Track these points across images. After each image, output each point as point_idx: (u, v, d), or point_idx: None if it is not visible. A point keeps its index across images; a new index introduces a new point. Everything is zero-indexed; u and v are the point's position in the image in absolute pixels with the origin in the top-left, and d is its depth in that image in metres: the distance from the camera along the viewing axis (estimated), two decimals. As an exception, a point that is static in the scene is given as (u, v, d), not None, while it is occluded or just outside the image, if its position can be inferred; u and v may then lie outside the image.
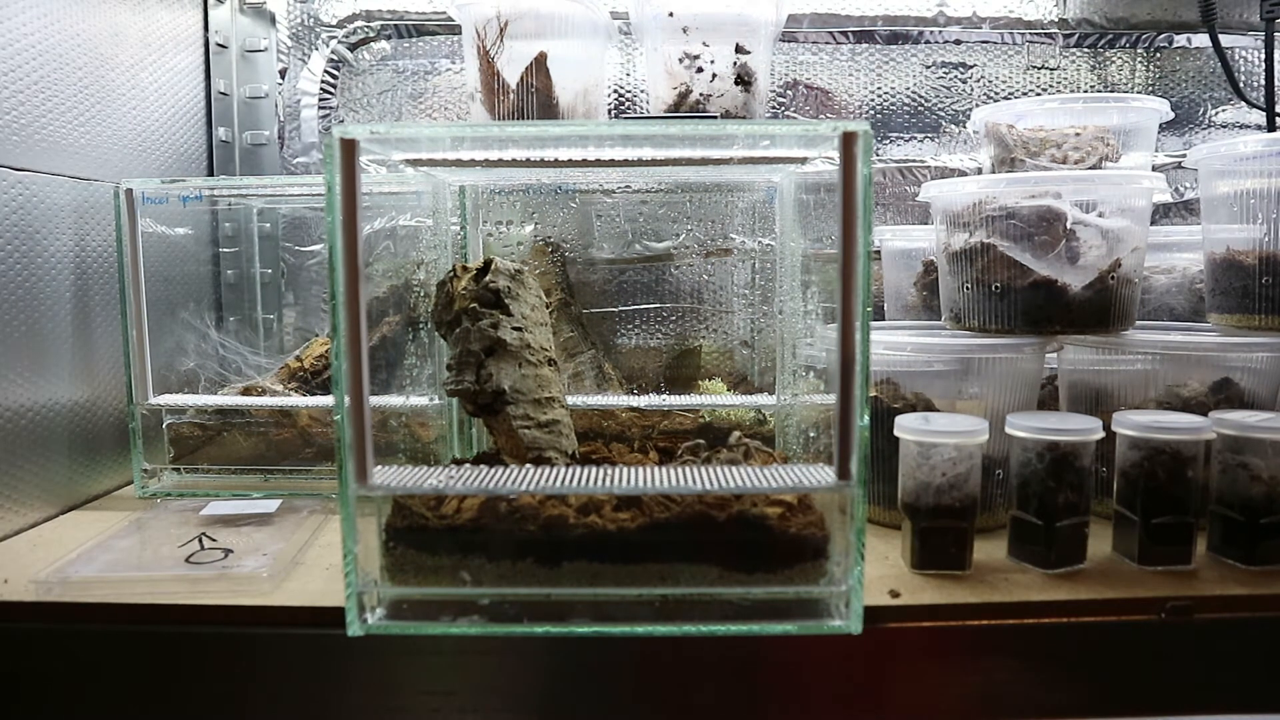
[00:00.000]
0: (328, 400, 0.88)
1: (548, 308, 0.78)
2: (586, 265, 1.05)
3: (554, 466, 0.62)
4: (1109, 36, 1.13)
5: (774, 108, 1.13)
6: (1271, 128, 1.03)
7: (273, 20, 1.10)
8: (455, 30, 1.09)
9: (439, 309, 0.71)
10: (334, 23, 1.10)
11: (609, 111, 1.11)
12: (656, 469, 0.59)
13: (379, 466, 0.57)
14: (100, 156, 0.87)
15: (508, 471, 0.59)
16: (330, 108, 1.11)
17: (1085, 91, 1.14)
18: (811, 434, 0.74)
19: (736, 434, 0.71)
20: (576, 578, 0.58)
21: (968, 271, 0.81)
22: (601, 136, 0.64)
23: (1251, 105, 1.10)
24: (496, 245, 1.02)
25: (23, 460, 0.76)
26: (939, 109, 1.14)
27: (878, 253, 1.09)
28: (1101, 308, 0.78)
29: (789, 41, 1.11)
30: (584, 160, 0.70)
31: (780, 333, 0.85)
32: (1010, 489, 0.69)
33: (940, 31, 1.12)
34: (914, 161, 1.14)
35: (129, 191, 0.84)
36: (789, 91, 1.13)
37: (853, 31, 1.12)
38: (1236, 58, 1.15)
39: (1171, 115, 0.88)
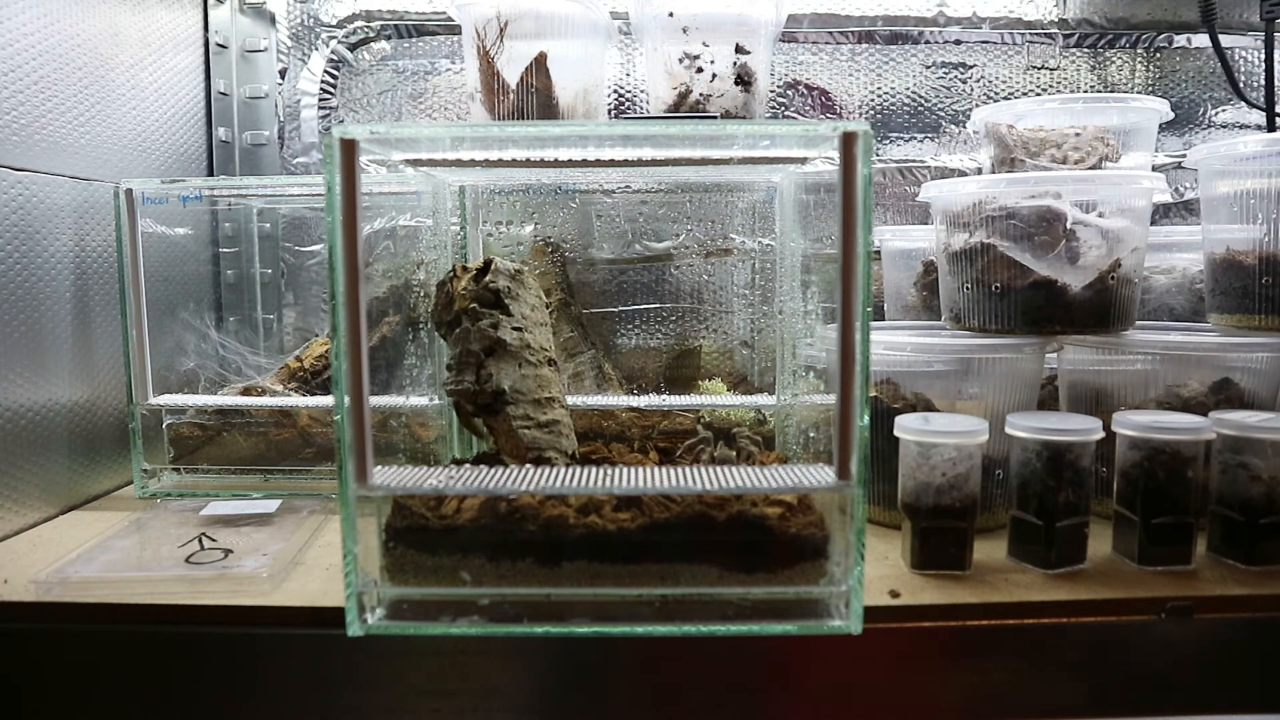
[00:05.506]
0: (328, 400, 0.88)
1: (548, 308, 0.78)
2: (586, 265, 1.04)
3: (554, 466, 0.62)
4: (1109, 37, 1.13)
5: (774, 108, 1.13)
6: (1271, 128, 1.03)
7: (273, 20, 1.10)
8: (455, 30, 1.09)
9: (439, 309, 0.71)
10: (334, 23, 1.10)
11: (609, 111, 1.11)
12: (656, 469, 0.59)
13: (379, 467, 0.57)
14: (100, 156, 0.87)
15: (508, 471, 0.59)
16: (330, 108, 1.11)
17: (1085, 91, 1.14)
18: (811, 434, 0.74)
19: (737, 429, 0.71)
20: (576, 578, 0.58)
21: (968, 271, 0.81)
22: (601, 136, 0.64)
23: (1251, 105, 1.10)
24: (496, 245, 1.02)
25: (23, 460, 0.76)
26: (939, 109, 1.14)
27: (878, 253, 1.09)
28: (1101, 308, 0.78)
29: (789, 41, 1.11)
30: (584, 160, 0.70)
31: (780, 333, 0.85)
32: (1010, 489, 0.69)
33: (940, 32, 1.12)
34: (914, 161, 1.14)
35: (129, 191, 0.84)
36: (789, 91, 1.13)
37: (853, 32, 1.12)
38: (1236, 58, 1.15)
39: (1171, 115, 0.87)
